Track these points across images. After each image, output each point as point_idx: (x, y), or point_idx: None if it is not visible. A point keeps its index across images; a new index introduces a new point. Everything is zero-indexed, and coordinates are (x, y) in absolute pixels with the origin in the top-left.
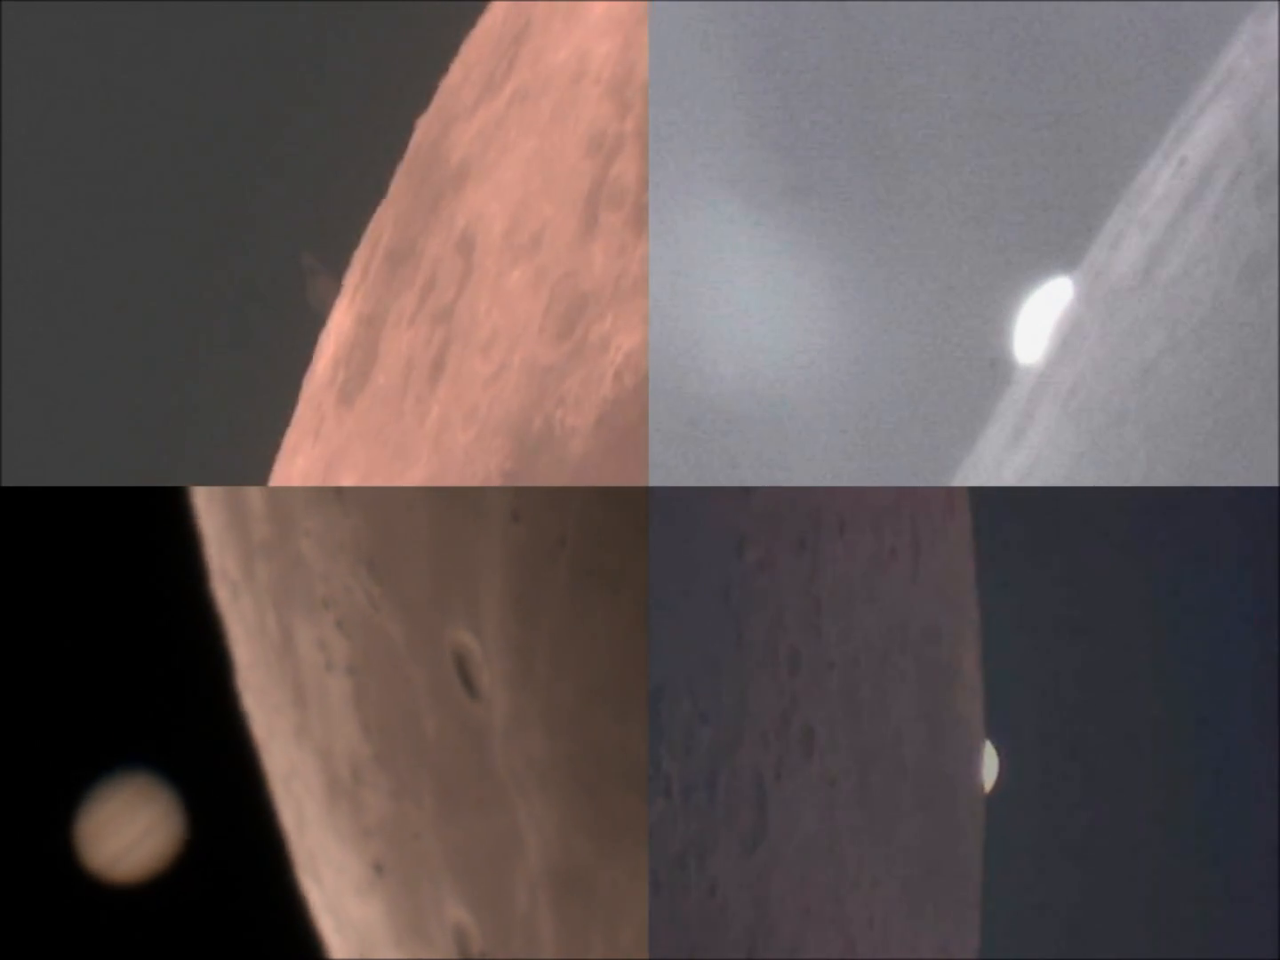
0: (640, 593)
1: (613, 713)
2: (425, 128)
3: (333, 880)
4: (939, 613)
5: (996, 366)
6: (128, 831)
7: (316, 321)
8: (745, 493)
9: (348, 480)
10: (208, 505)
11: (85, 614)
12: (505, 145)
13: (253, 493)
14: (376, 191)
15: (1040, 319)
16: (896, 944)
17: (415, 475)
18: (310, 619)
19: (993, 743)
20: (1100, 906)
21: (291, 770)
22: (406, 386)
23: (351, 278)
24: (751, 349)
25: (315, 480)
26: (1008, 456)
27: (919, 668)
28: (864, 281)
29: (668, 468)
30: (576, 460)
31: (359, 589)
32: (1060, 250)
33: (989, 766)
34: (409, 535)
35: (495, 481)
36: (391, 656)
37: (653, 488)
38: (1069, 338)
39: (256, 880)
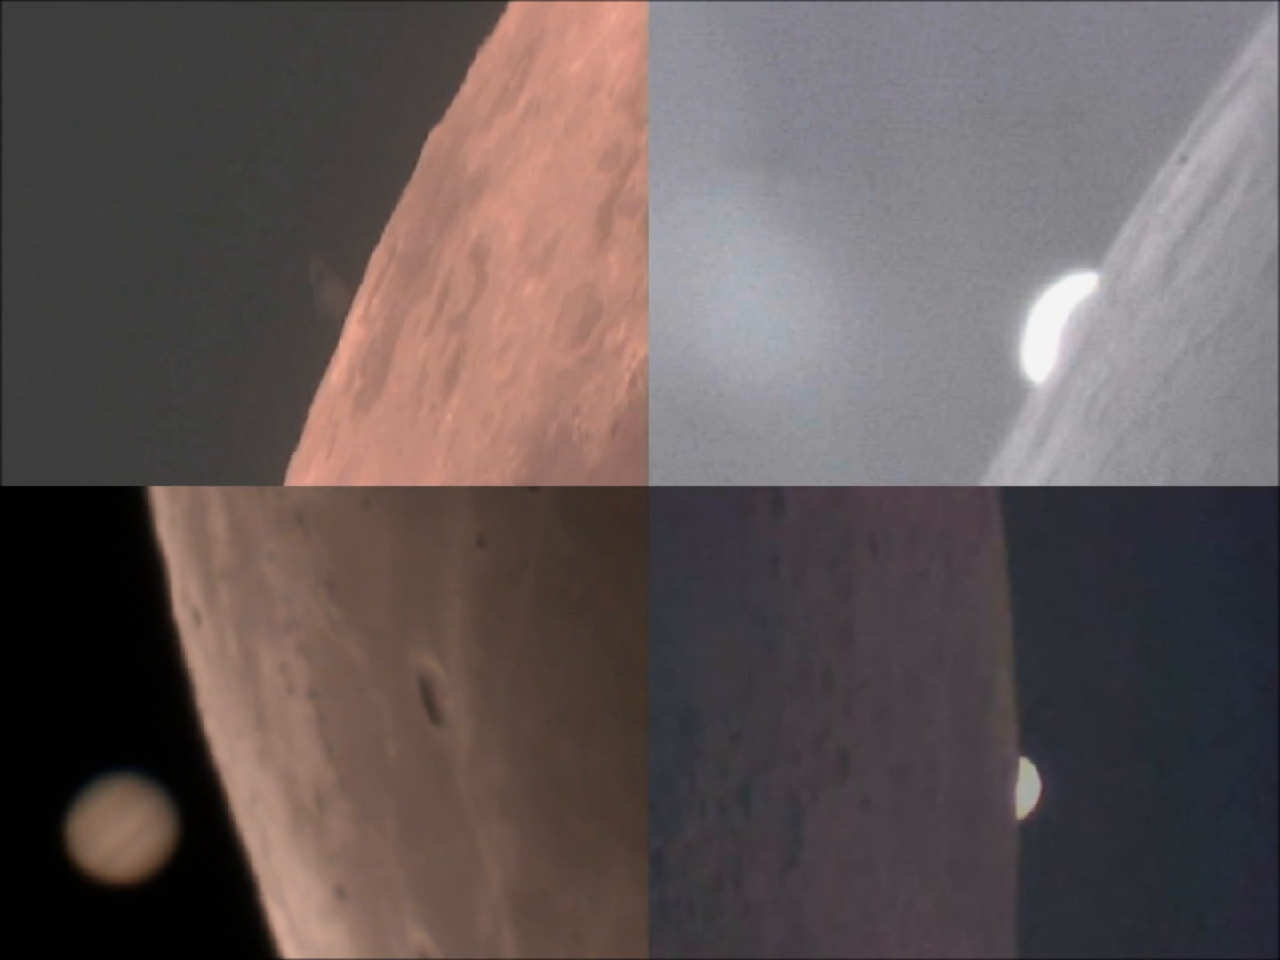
0: (602, 616)
1: (576, 738)
2: (440, 138)
3: (297, 904)
4: (973, 632)
5: (1016, 369)
6: (120, 830)
7: (324, 326)
8: (777, 507)
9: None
10: (170, 530)
11: (39, 637)
12: (520, 156)
13: (215, 517)
14: (389, 199)
15: (1060, 320)
16: None
17: (429, 483)
18: (272, 642)
19: (1031, 760)
20: (1143, 928)
21: (254, 795)
22: (421, 394)
23: (366, 286)
24: (755, 350)
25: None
26: (1030, 462)
27: (952, 688)
28: (874, 283)
29: (668, 468)
30: (592, 466)
31: (321, 612)
32: (1080, 251)
33: (1030, 787)
34: (372, 558)
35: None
36: (354, 680)
37: (657, 493)
38: (1090, 339)
39: (221, 903)
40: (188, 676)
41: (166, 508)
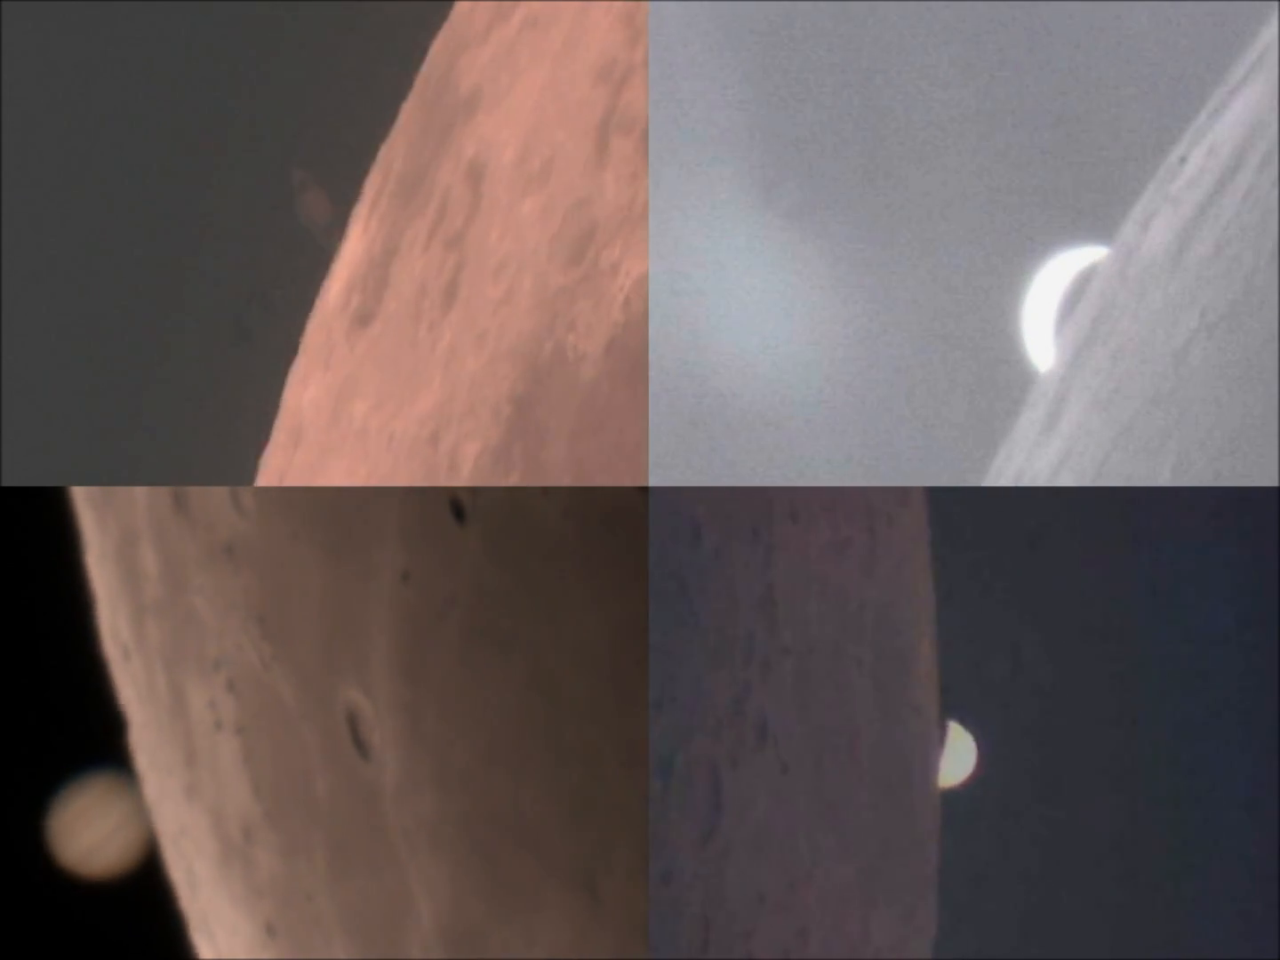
0: (531, 651)
1: (507, 774)
2: (436, 54)
3: (225, 941)
4: (894, 600)
5: (1018, 349)
6: (98, 827)
7: (305, 237)
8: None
9: (360, 407)
10: (99, 563)
11: None
12: (516, 72)
13: (145, 551)
14: (384, 112)
15: (1061, 293)
16: (849, 932)
17: (426, 401)
18: (201, 678)
19: (979, 737)
20: (1067, 897)
21: (182, 830)
22: (419, 313)
23: (363, 203)
24: (756, 346)
25: (328, 407)
26: (1042, 443)
27: (874, 655)
28: (875, 272)
29: (668, 468)
30: (587, 385)
31: (250, 648)
32: (1092, 231)
33: (966, 757)
34: (301, 594)
35: (505, 407)
36: (282, 716)
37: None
38: (1101, 319)
39: (149, 942)
40: (119, 712)
41: (96, 541)
